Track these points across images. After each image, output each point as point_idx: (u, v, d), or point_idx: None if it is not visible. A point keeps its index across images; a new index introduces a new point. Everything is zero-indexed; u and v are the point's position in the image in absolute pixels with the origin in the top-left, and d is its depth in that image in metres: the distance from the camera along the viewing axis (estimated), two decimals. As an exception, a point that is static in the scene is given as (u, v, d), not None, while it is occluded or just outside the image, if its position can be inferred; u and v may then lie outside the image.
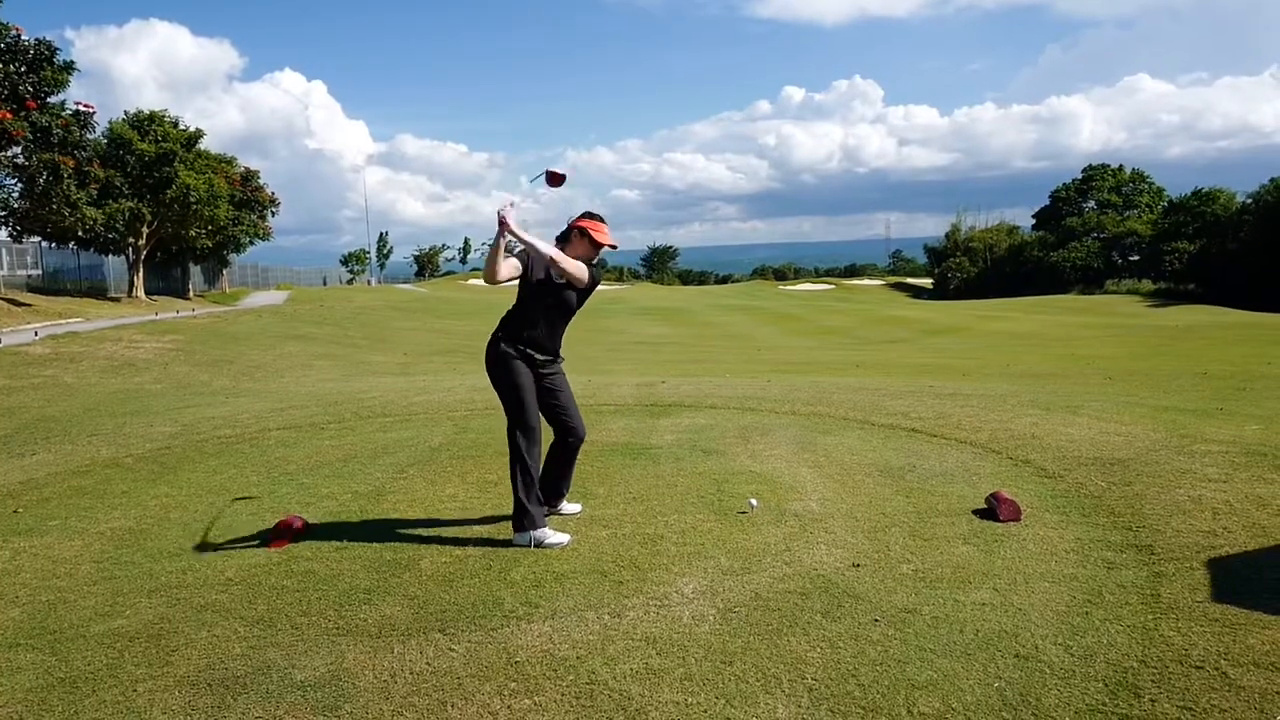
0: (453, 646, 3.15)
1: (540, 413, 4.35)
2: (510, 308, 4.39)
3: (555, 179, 4.30)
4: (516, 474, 4.22)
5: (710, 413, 7.67)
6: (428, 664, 3.03)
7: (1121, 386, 10.51)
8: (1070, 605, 3.31)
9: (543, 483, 4.40)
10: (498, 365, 4.28)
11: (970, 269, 76.95)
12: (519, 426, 4.23)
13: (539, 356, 4.30)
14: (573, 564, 3.93)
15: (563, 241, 4.35)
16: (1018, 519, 4.30)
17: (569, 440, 4.49)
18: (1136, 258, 68.26)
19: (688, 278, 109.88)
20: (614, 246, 4.36)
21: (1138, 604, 3.29)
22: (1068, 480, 5.02)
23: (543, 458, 4.47)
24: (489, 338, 4.37)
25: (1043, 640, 3.03)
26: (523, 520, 4.20)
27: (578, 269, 4.20)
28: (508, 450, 4.27)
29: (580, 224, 4.33)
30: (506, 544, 4.22)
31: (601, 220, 4.36)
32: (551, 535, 4.21)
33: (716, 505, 4.75)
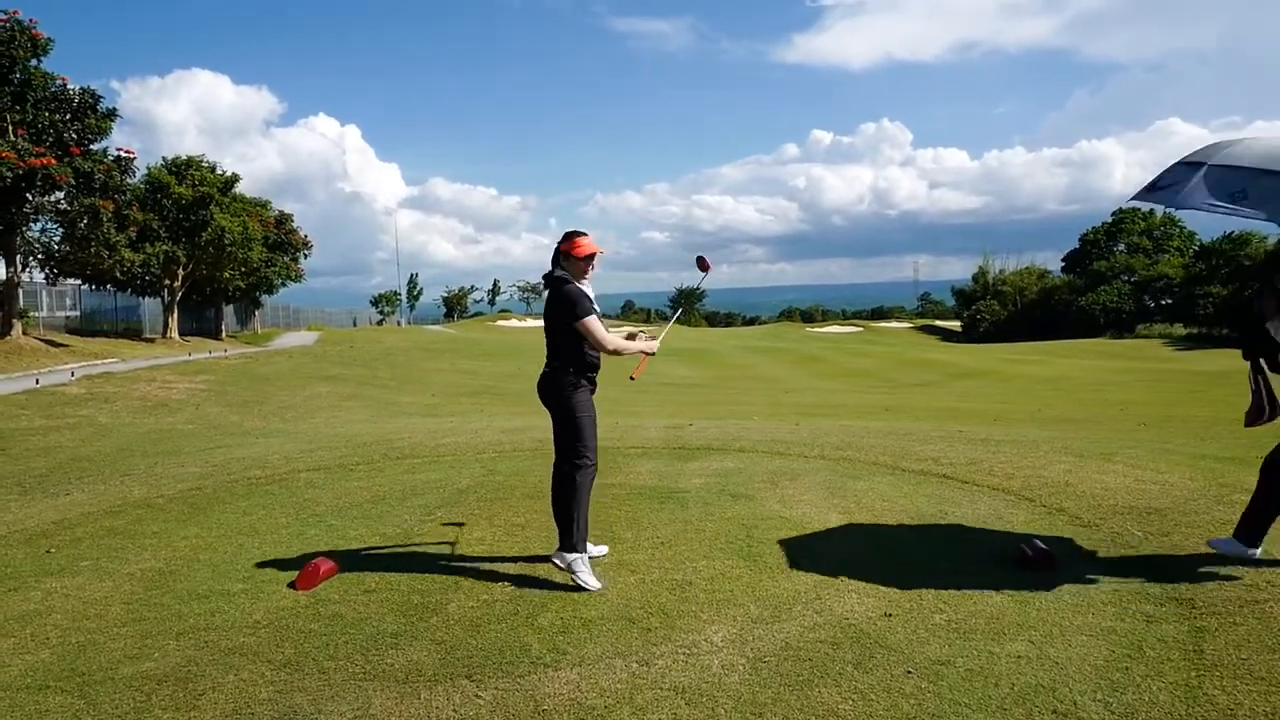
0: (480, 694, 3.13)
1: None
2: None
3: (703, 264, 5.00)
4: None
5: (738, 456, 7.63)
6: (454, 711, 3.01)
7: (1156, 433, 10.34)
8: (1109, 660, 3.23)
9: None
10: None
11: (1000, 312, 76.50)
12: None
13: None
14: (600, 610, 3.90)
15: (561, 262, 4.41)
16: (1053, 569, 4.22)
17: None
18: (1168, 301, 67.52)
19: (714, 319, 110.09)
20: (593, 254, 4.39)
21: (1180, 660, 3.21)
22: (1103, 529, 4.93)
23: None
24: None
25: (1081, 696, 2.95)
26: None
27: (606, 340, 4.38)
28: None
29: (563, 247, 4.39)
30: (534, 588, 4.20)
31: (577, 235, 4.41)
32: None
33: (746, 551, 4.70)
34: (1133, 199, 4.32)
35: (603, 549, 4.74)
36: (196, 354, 25.71)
